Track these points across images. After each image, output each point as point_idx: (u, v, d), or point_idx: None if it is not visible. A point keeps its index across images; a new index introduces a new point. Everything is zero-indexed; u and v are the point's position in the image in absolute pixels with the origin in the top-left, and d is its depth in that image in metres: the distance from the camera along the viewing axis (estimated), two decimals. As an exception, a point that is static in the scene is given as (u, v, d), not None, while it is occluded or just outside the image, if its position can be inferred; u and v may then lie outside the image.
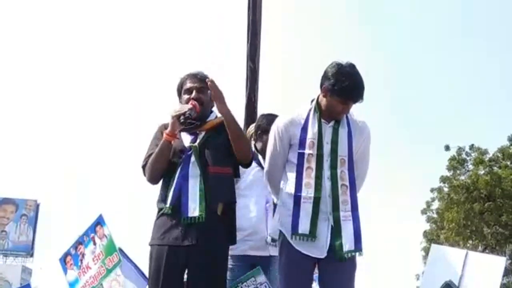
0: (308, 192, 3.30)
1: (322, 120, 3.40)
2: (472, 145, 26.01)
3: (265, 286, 3.80)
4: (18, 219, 36.21)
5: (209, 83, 3.41)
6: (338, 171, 3.34)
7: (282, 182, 3.50)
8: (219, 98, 3.42)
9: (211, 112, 3.63)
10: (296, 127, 3.43)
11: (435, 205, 26.81)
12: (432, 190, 26.61)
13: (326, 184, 3.31)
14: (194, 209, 3.32)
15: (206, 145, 3.47)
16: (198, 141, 3.49)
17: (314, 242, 3.28)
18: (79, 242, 7.75)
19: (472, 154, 26.00)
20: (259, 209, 4.13)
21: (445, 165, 26.00)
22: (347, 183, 3.34)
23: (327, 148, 3.36)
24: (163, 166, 3.46)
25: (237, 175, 3.68)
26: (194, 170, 3.40)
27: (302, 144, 3.38)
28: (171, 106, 3.57)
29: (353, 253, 3.29)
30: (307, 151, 3.35)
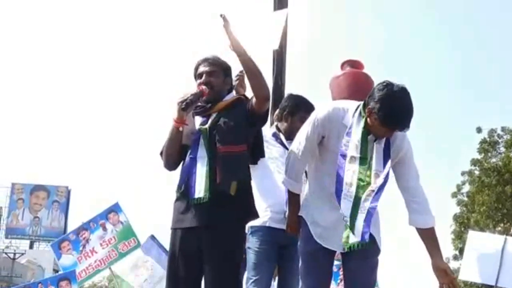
0: (348, 190, 3.18)
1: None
2: (504, 127, 25.57)
3: None
4: (50, 205, 36.85)
5: (222, 17, 3.36)
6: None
7: (312, 172, 3.47)
8: (230, 33, 3.38)
9: (229, 92, 3.63)
10: (333, 125, 3.28)
11: (466, 188, 26.52)
12: (462, 173, 26.29)
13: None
14: (199, 190, 3.36)
15: (217, 126, 3.46)
16: (209, 122, 3.50)
17: (334, 236, 3.26)
18: (83, 228, 7.79)
19: (504, 136, 25.57)
20: (280, 183, 4.04)
21: (476, 148, 25.66)
22: (376, 189, 3.17)
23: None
24: (175, 152, 3.52)
25: (258, 152, 3.66)
26: (202, 152, 3.43)
27: (344, 144, 3.22)
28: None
29: (358, 245, 3.16)
30: (349, 152, 3.20)
